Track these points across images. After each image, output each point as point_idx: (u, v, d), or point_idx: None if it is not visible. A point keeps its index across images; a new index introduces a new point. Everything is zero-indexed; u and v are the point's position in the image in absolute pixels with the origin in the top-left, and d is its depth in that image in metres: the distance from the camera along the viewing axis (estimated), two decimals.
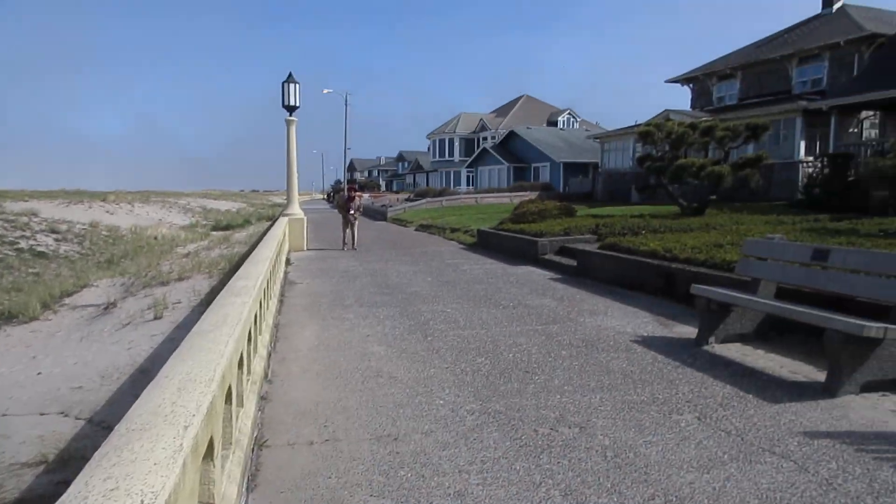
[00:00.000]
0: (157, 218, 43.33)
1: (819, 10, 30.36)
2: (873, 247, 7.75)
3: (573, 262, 11.36)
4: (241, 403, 3.67)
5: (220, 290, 5.33)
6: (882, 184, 9.55)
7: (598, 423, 4.11)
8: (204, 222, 45.48)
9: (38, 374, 8.49)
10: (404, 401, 4.64)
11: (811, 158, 21.89)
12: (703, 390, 4.71)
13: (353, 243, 16.69)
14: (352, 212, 16.73)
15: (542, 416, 4.25)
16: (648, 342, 6.24)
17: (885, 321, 4.51)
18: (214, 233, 35.03)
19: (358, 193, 17.68)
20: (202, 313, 4.34)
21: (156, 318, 10.56)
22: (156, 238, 30.84)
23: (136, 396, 2.33)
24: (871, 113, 22.55)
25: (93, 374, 8.01)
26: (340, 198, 18.08)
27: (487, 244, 16.27)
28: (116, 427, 1.90)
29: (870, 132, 23.50)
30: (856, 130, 23.62)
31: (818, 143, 23.04)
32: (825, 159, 17.74)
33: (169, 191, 72.67)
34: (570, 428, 4.04)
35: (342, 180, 70.11)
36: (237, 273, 6.17)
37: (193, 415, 2.00)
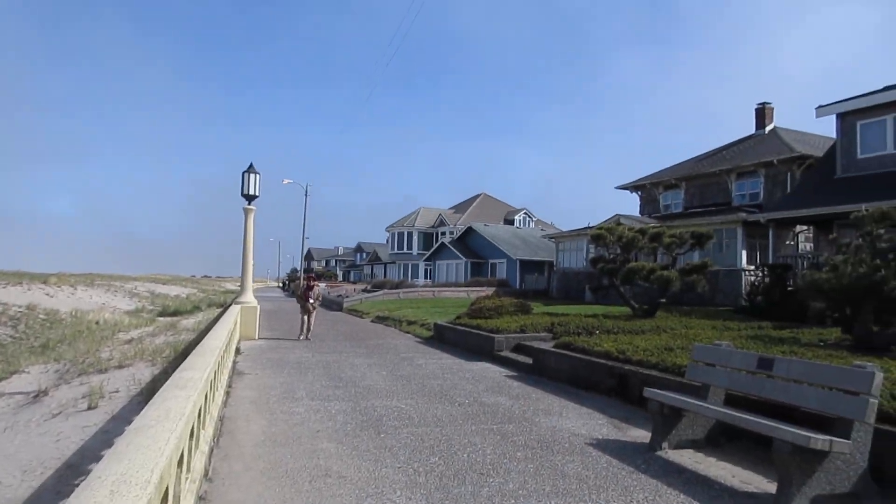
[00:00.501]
0: (100, 302, 41.90)
1: (753, 130, 32.78)
2: (814, 357, 8.00)
3: (529, 360, 11.36)
4: None
5: (164, 379, 5.12)
6: (819, 296, 9.97)
7: None
8: (150, 307, 44.12)
9: None
10: (353, 503, 4.43)
11: (752, 267, 22.88)
12: (658, 499, 4.65)
13: (308, 332, 16.59)
14: (311, 300, 16.69)
15: None
16: (603, 445, 6.18)
17: (830, 433, 4.61)
18: (161, 319, 33.94)
19: (315, 283, 17.67)
20: (141, 403, 4.14)
21: (90, 407, 9.97)
22: (97, 323, 29.66)
23: (61, 494, 2.17)
24: (805, 227, 23.95)
25: (14, 468, 7.42)
26: (298, 287, 18.15)
27: (444, 338, 16.18)
28: None
29: (805, 245, 24.87)
30: (792, 243, 24.96)
31: (758, 253, 24.20)
32: (766, 269, 18.55)
33: (116, 274, 70.75)
34: None
35: (299, 269, 69.64)
36: (183, 364, 5.94)
37: None
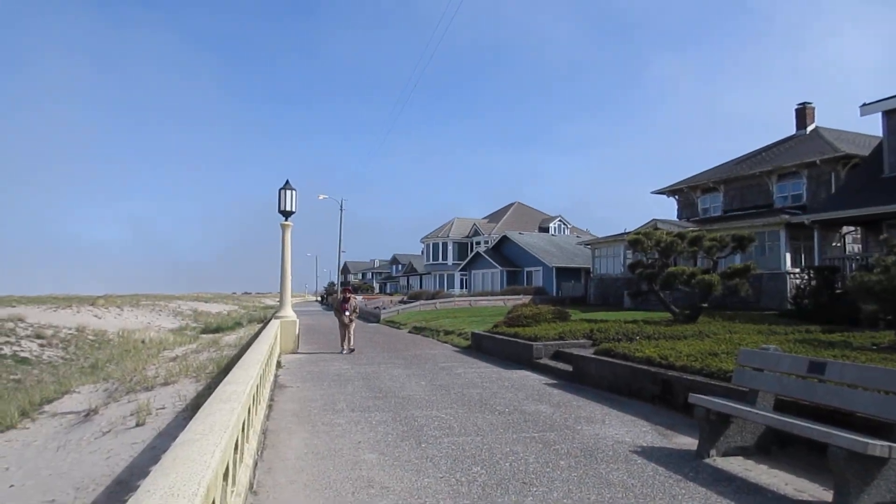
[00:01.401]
0: (146, 321, 42.98)
1: (794, 131, 31.99)
2: (868, 361, 7.72)
3: (568, 367, 11.22)
4: None
5: (207, 395, 5.21)
6: (870, 298, 9.63)
7: None
8: (193, 325, 45.10)
9: (10, 486, 8.08)
10: None
11: (797, 270, 22.25)
12: None
13: (350, 345, 16.49)
14: (347, 313, 16.57)
15: None
16: (648, 453, 6.05)
17: (889, 439, 4.42)
18: (204, 335, 34.64)
19: (352, 295, 17.60)
20: (187, 419, 4.21)
21: (138, 424, 10.20)
22: (143, 342, 30.44)
23: None
24: (852, 228, 23.20)
25: (67, 486, 7.63)
26: (335, 300, 18.16)
27: (482, 347, 16.11)
28: None
29: (852, 246, 24.07)
30: (839, 244, 24.20)
31: (803, 255, 23.53)
32: (812, 272, 18.02)
33: (160, 294, 72.59)
34: None
35: (336, 283, 70.34)
36: (226, 378, 6.03)
37: None
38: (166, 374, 15.49)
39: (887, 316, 10.34)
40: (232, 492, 3.90)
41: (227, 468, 3.59)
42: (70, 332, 31.36)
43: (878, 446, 4.19)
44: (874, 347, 9.49)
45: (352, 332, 16.78)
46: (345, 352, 16.18)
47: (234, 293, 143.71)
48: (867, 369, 5.14)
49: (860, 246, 22.21)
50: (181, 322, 47.30)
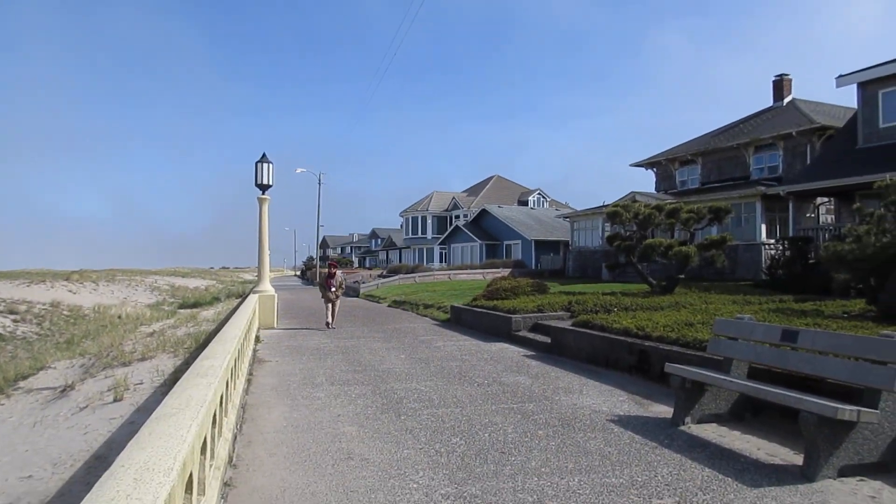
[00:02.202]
0: (122, 297, 42.47)
1: (770, 103, 32.20)
2: (839, 329, 7.89)
3: (547, 339, 11.32)
4: (202, 492, 3.46)
5: (185, 370, 5.16)
6: (842, 267, 9.81)
7: None
8: (171, 300, 44.67)
9: None
10: (376, 485, 4.44)
11: (772, 241, 22.58)
12: (682, 473, 4.61)
13: (333, 320, 16.06)
14: (333, 289, 16.08)
15: (520, 501, 4.09)
16: (625, 422, 6.15)
17: (857, 404, 4.53)
18: (181, 311, 34.34)
19: (336, 269, 16.81)
20: (165, 394, 4.17)
21: (116, 400, 10.11)
22: (120, 317, 30.09)
23: (90, 486, 2.18)
24: (826, 199, 23.54)
25: (44, 461, 7.55)
26: (321, 276, 17.69)
27: (461, 320, 16.19)
28: None
29: (826, 217, 24.46)
30: (813, 215, 24.56)
31: (778, 226, 23.87)
32: (786, 242, 18.31)
33: (136, 269, 71.66)
34: None
35: (315, 257, 69.97)
36: (203, 352, 5.98)
37: None
38: (143, 349, 15.34)
39: (858, 285, 10.57)
40: (210, 465, 3.89)
41: (205, 442, 3.57)
42: (44, 307, 30.90)
43: (847, 411, 4.29)
44: (845, 315, 9.69)
45: (336, 308, 16.35)
46: (330, 327, 15.84)
47: (212, 268, 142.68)
48: (838, 337, 5.24)
49: (833, 216, 22.60)
50: (158, 297, 46.82)
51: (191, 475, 2.86)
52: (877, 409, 4.46)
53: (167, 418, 3.15)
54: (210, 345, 6.79)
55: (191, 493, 2.90)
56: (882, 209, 9.91)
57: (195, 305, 38.87)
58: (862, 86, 19.38)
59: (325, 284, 16.27)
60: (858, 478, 4.44)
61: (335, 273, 16.38)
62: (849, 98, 22.22)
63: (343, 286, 16.82)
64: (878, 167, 16.30)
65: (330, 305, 16.16)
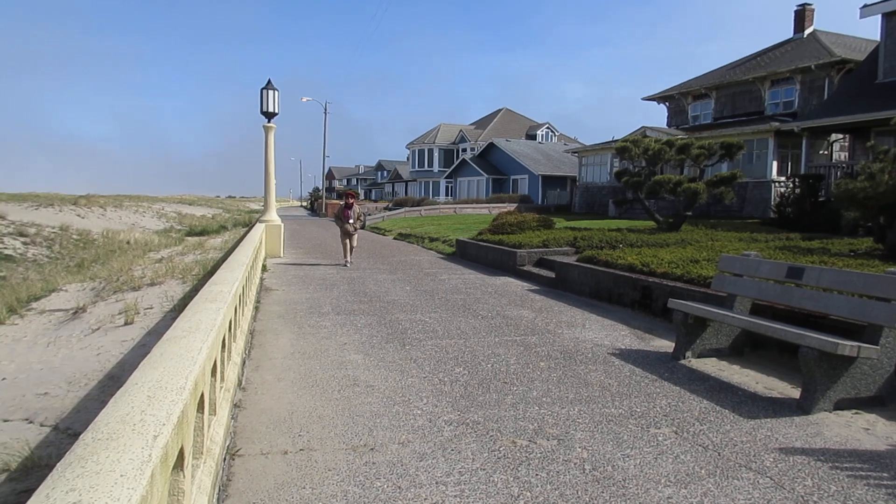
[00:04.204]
0: (130, 222, 42.69)
1: (791, 35, 31.12)
2: (845, 266, 7.89)
3: (551, 274, 11.39)
4: (213, 411, 3.57)
5: (194, 295, 5.22)
6: (852, 205, 9.71)
7: (577, 435, 4.09)
8: (178, 227, 44.89)
9: (2, 379, 8.23)
10: (381, 410, 4.57)
11: (783, 178, 22.32)
12: (681, 404, 4.72)
13: (349, 257, 14.76)
14: (351, 221, 14.70)
15: (521, 428, 4.21)
16: (626, 355, 6.25)
17: (859, 340, 4.58)
18: (189, 238, 34.55)
19: (354, 200, 15.26)
20: (175, 319, 4.24)
21: (126, 323, 10.33)
22: (128, 242, 30.32)
23: (105, 404, 2.24)
24: (840, 136, 23.09)
25: (59, 380, 7.78)
26: (337, 207, 15.44)
27: (466, 254, 16.26)
28: (82, 436, 1.82)
29: (839, 154, 24.06)
30: (826, 152, 24.16)
31: (790, 164, 23.53)
32: (797, 179, 18.08)
33: (143, 195, 71.67)
34: (548, 440, 4.00)
35: (321, 188, 69.72)
36: (212, 278, 6.05)
37: (163, 424, 1.92)
38: (153, 274, 15.54)
39: (867, 223, 10.50)
40: (221, 387, 3.99)
41: (215, 365, 3.65)
42: (53, 231, 31.14)
43: (847, 346, 4.35)
44: (852, 254, 9.68)
45: (354, 243, 14.93)
46: (348, 264, 14.55)
47: (219, 196, 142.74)
48: (843, 273, 5.24)
49: (847, 154, 22.22)
50: (166, 224, 47.07)
51: (202, 395, 2.94)
52: (877, 345, 4.51)
53: (178, 340, 3.21)
54: (219, 271, 6.86)
55: (202, 413, 2.98)
56: None
57: (202, 233, 39.09)
58: (887, 16, 18.63)
59: (342, 216, 14.80)
60: (854, 411, 4.54)
61: (353, 204, 14.97)
62: (872, 30, 21.31)
63: (362, 218, 15.07)
64: None
65: (347, 241, 14.79)
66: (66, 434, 5.79)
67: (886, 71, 18.83)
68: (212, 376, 3.48)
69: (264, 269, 13.54)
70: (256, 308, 8.83)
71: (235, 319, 5.42)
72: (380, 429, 4.21)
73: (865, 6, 19.26)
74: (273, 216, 17.25)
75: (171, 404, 2.15)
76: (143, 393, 2.24)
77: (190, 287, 12.80)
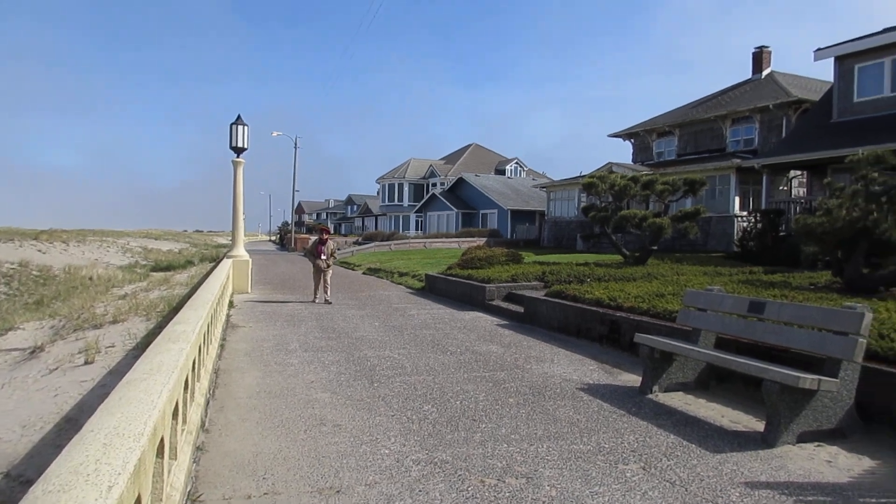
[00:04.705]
0: (93, 258, 41.77)
1: (749, 75, 32.34)
2: (805, 300, 8.08)
3: (520, 309, 11.43)
4: (174, 456, 3.47)
5: (158, 333, 5.12)
6: (811, 240, 10.01)
7: (546, 473, 4.07)
8: (143, 262, 44.05)
9: None
10: (348, 450, 4.49)
11: (745, 213, 22.92)
12: (648, 440, 4.74)
13: (326, 295, 14.18)
14: (323, 257, 14.27)
15: (489, 466, 4.18)
16: (594, 390, 6.27)
17: (818, 373, 4.68)
18: (154, 274, 33.88)
19: (328, 236, 14.97)
20: (137, 357, 4.14)
21: (87, 362, 10.02)
22: (91, 279, 29.60)
23: (60, 448, 2.17)
24: (799, 172, 23.89)
25: (13, 423, 7.48)
26: (311, 243, 15.16)
27: (435, 289, 16.25)
28: (32, 489, 1.75)
29: (798, 190, 24.85)
30: (786, 188, 24.94)
31: (751, 199, 24.19)
32: (758, 214, 18.58)
33: (108, 230, 70.33)
34: (517, 479, 3.97)
35: (290, 222, 69.30)
36: (175, 317, 5.93)
37: (119, 473, 1.87)
38: (115, 311, 15.16)
39: (825, 257, 10.80)
40: (183, 430, 3.89)
41: (177, 407, 3.57)
42: (12, 266, 30.28)
43: (808, 379, 4.43)
44: (812, 287, 9.93)
45: (328, 279, 14.40)
46: (318, 301, 14.12)
47: (185, 231, 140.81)
48: (803, 308, 5.37)
49: (805, 190, 22.96)
50: (130, 259, 46.13)
51: (162, 440, 2.86)
52: (837, 377, 4.62)
53: (138, 383, 3.14)
54: (183, 309, 6.73)
55: (162, 458, 2.90)
56: (853, 184, 10.09)
57: (168, 269, 38.37)
58: (839, 60, 19.51)
59: (316, 252, 14.42)
60: (816, 443, 4.61)
61: (326, 240, 14.66)
62: (826, 72, 22.30)
63: (336, 255, 15.08)
64: (850, 141, 16.53)
65: (321, 277, 14.33)
66: (17, 482, 5.55)
67: (840, 111, 19.63)
68: (173, 419, 3.39)
69: (231, 305, 13.33)
70: (222, 346, 8.67)
71: (199, 359, 5.31)
72: (346, 470, 4.13)
73: (819, 49, 20.15)
74: (241, 251, 17.07)
75: (128, 452, 2.09)
76: (99, 441, 2.18)
77: (154, 324, 12.52)
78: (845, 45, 19.32)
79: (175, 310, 11.75)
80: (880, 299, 8.10)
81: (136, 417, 2.51)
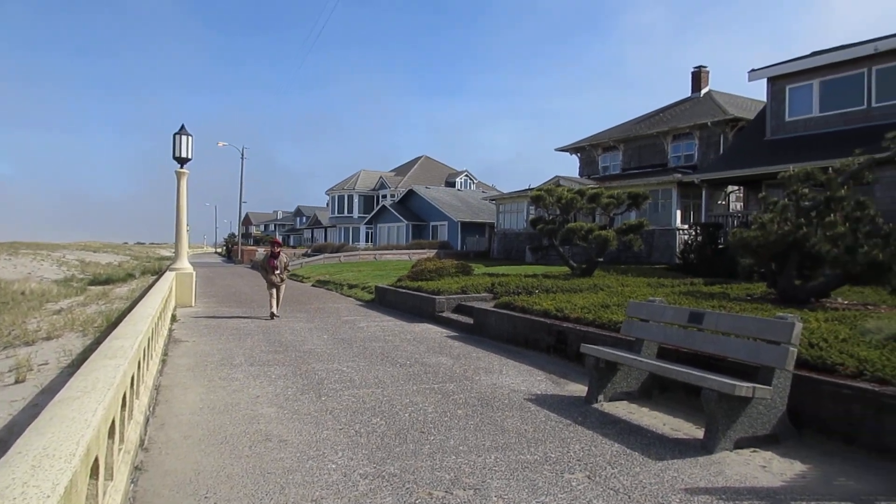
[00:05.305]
0: (25, 271, 39.96)
1: (689, 93, 33.57)
2: (742, 311, 8.39)
3: (470, 320, 11.49)
4: (110, 476, 3.35)
5: (95, 349, 4.93)
6: (747, 252, 10.40)
7: (493, 484, 4.09)
8: (81, 276, 42.34)
9: None
10: (294, 466, 4.42)
11: (686, 226, 23.70)
12: (594, 449, 4.82)
13: (276, 308, 13.66)
14: (277, 271, 13.76)
15: (437, 479, 4.17)
16: (541, 400, 6.34)
17: (754, 381, 4.86)
18: (92, 287, 32.61)
19: (280, 249, 14.42)
20: (73, 375, 3.98)
21: (17, 381, 9.54)
22: (23, 293, 28.27)
23: None
24: (736, 187, 24.88)
25: None
26: (263, 256, 14.80)
27: (385, 301, 16.17)
28: None
29: (736, 204, 25.87)
30: (724, 202, 25.91)
31: (692, 213, 25.04)
32: (698, 228, 19.23)
33: (42, 242, 67.43)
34: (464, 490, 3.98)
35: (237, 234, 67.89)
36: (113, 332, 5.73)
37: (48, 496, 1.79)
38: (49, 327, 14.52)
39: (761, 269, 11.23)
40: (120, 449, 3.76)
41: (114, 425, 3.44)
42: None
43: (744, 387, 4.60)
44: (748, 298, 10.31)
45: (281, 294, 13.92)
46: (275, 316, 13.51)
47: (126, 243, 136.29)
48: (739, 318, 5.58)
49: (742, 204, 23.90)
50: (67, 273, 44.27)
51: (97, 460, 2.76)
52: (770, 385, 4.80)
53: (71, 401, 3.02)
54: (121, 324, 6.51)
55: (97, 479, 2.80)
56: (785, 199, 10.55)
57: (107, 282, 37.00)
58: (771, 80, 20.47)
59: (268, 266, 13.93)
60: (752, 449, 4.78)
61: (279, 253, 14.12)
62: (760, 92, 23.39)
63: (288, 268, 14.55)
64: (783, 158, 17.31)
65: (274, 291, 13.78)
66: None
67: (773, 129, 20.56)
68: (109, 438, 3.28)
69: (174, 319, 12.96)
70: (164, 361, 8.40)
71: (139, 375, 5.14)
72: (292, 486, 4.06)
73: (753, 70, 21.10)
74: (184, 264, 16.63)
75: (59, 473, 2.01)
76: (27, 462, 2.09)
77: (92, 340, 12.04)
78: (777, 66, 20.29)
79: (114, 325, 11.33)
80: (811, 310, 8.48)
81: (68, 437, 2.41)
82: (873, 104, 17.83)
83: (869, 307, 8.99)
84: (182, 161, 16.28)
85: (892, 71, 17.51)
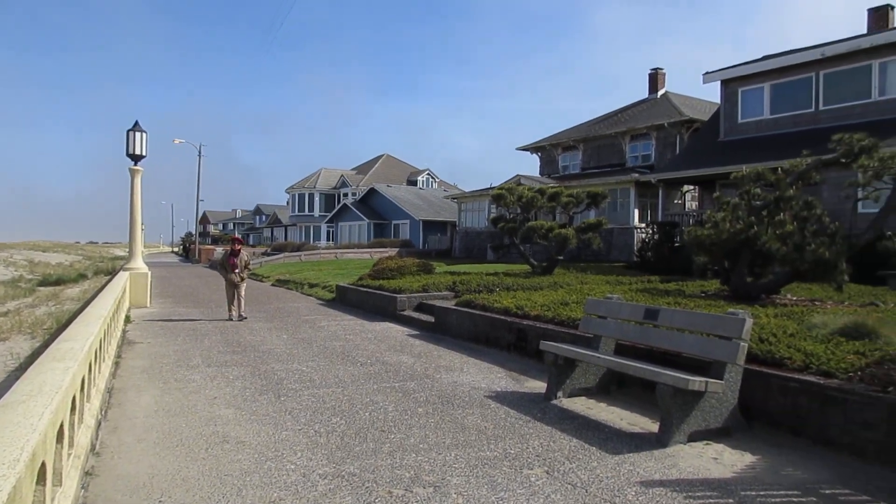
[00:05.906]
0: None
1: (646, 95, 34.22)
2: (696, 307, 8.60)
3: (431, 319, 11.50)
4: (58, 482, 3.25)
5: (44, 352, 4.77)
6: (701, 250, 10.67)
7: (453, 481, 4.10)
8: (30, 277, 40.91)
9: None
10: (252, 468, 4.36)
11: (644, 225, 24.18)
12: (552, 444, 4.88)
13: (240, 311, 13.10)
14: (237, 270, 13.14)
15: (397, 477, 4.17)
16: (501, 397, 6.39)
17: (707, 375, 4.99)
18: (42, 288, 31.54)
19: (241, 247, 13.82)
20: (18, 378, 3.85)
21: None
22: None
23: None
24: (691, 187, 25.48)
25: None
26: (222, 255, 14.15)
27: (346, 300, 16.07)
28: None
29: (691, 204, 26.51)
30: (680, 202, 26.53)
31: (650, 212, 25.56)
32: (655, 227, 19.64)
33: None
34: (424, 488, 3.99)
35: (194, 233, 66.53)
36: (62, 334, 5.56)
37: None
38: None
39: (715, 267, 11.53)
40: (69, 454, 3.65)
41: (63, 430, 3.34)
42: None
43: (696, 381, 4.72)
44: (703, 294, 10.57)
45: (242, 294, 13.28)
46: (234, 318, 12.99)
47: (78, 242, 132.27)
48: (692, 315, 5.72)
49: (697, 203, 24.49)
50: (14, 273, 42.73)
51: (43, 465, 2.68)
52: (722, 379, 4.94)
53: (16, 406, 2.92)
54: (71, 325, 6.32)
55: (44, 485, 2.71)
56: (738, 198, 10.85)
57: (58, 283, 35.82)
58: (724, 83, 21.03)
59: (228, 265, 13.30)
60: (705, 442, 4.91)
61: (239, 251, 13.50)
62: (714, 94, 23.98)
63: (249, 266, 14.05)
64: (736, 159, 17.80)
65: (234, 291, 13.22)
66: None
67: (726, 131, 21.12)
68: (57, 443, 3.18)
69: (128, 320, 12.64)
70: (117, 363, 8.19)
71: (90, 377, 5.00)
72: (250, 487, 4.00)
73: (707, 73, 21.64)
74: (139, 263, 16.24)
75: (2, 479, 1.94)
76: None
77: (40, 342, 11.65)
78: (730, 69, 20.85)
79: (64, 326, 10.99)
80: (761, 306, 8.75)
81: (11, 442, 2.33)
82: (821, 107, 18.48)
83: (816, 303, 9.32)
84: (136, 158, 15.88)
85: (839, 75, 18.19)
